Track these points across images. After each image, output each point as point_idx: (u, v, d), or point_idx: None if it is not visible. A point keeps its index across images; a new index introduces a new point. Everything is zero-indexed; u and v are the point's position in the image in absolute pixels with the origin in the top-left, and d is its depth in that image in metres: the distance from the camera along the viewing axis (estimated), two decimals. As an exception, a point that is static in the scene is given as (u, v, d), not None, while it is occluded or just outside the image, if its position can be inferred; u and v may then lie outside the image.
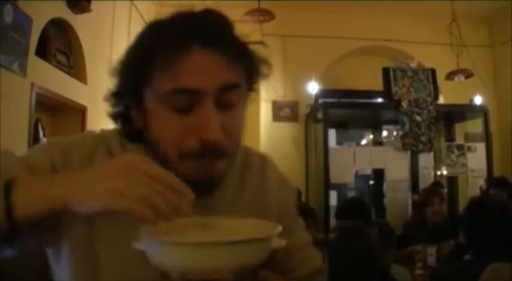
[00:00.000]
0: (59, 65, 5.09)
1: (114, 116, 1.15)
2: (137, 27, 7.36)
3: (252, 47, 1.11)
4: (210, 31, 1.04)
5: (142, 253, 0.89)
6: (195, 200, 0.94)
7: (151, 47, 1.03)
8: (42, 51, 4.73)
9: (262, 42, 1.17)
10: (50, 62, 4.86)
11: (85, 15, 5.42)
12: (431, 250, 4.27)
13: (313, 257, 1.31)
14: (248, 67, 1.09)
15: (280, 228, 0.93)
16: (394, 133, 8.14)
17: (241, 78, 1.07)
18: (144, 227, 0.90)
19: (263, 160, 1.31)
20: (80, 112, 5.53)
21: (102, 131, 1.22)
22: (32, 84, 4.31)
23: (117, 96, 1.13)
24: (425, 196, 5.28)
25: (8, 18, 3.86)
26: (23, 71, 4.12)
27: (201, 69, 1.00)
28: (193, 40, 1.01)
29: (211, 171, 1.03)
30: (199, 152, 1.00)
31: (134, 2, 7.46)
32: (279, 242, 0.93)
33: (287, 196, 1.30)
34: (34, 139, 4.40)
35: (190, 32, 1.02)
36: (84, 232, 1.06)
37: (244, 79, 1.08)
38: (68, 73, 5.29)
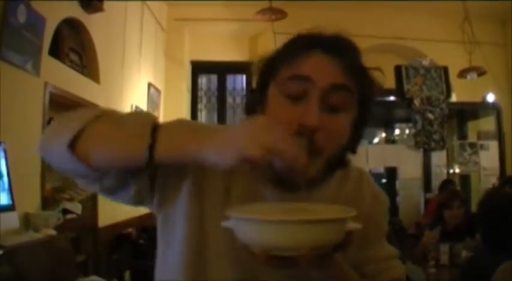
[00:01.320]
0: (72, 65, 5.13)
1: (247, 110, 1.28)
2: (149, 27, 7.46)
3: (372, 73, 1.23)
4: (335, 42, 1.17)
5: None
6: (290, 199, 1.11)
7: (284, 49, 1.20)
8: (56, 51, 4.76)
9: (380, 70, 1.26)
10: (63, 61, 4.89)
11: (98, 15, 5.46)
12: (444, 248, 4.26)
13: (394, 268, 1.35)
14: (362, 87, 1.18)
15: (355, 212, 0.97)
16: (407, 131, 8.13)
17: (354, 88, 1.14)
18: (233, 207, 1.04)
19: (360, 172, 1.38)
20: (93, 111, 5.55)
21: None
22: (46, 83, 4.34)
23: (253, 91, 1.27)
24: (445, 198, 5.21)
25: (21, 18, 3.89)
26: (37, 70, 4.15)
27: (318, 65, 1.12)
28: (318, 46, 1.15)
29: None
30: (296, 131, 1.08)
31: (146, 1, 7.49)
32: (353, 225, 0.97)
33: (378, 208, 1.35)
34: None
35: (318, 40, 1.17)
36: (196, 196, 1.19)
37: (356, 92, 1.16)
38: (81, 72, 5.33)
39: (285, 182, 1.13)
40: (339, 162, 1.24)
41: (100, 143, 1.04)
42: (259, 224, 0.92)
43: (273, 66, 1.18)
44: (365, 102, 1.20)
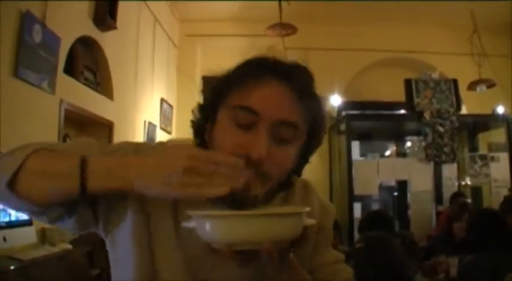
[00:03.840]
0: (87, 82, 5.21)
1: (195, 125, 1.30)
2: (162, 43, 7.55)
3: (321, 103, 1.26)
4: (290, 71, 1.19)
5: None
6: None
7: (235, 72, 1.22)
8: (70, 69, 4.85)
9: (325, 102, 1.31)
10: (77, 79, 4.98)
11: (111, 33, 5.55)
12: (454, 261, 4.26)
13: (343, 271, 1.39)
14: (313, 118, 1.22)
15: (309, 208, 1.05)
16: (418, 144, 8.15)
17: (301, 123, 1.18)
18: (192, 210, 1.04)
19: (304, 185, 1.41)
20: (107, 127, 5.66)
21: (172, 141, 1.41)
22: (61, 101, 4.43)
23: (201, 108, 1.29)
24: (454, 211, 5.20)
25: (37, 38, 3.99)
26: (52, 88, 4.24)
27: (269, 98, 1.15)
28: (272, 73, 1.17)
29: (250, 185, 1.12)
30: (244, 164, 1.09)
31: (158, 19, 7.59)
32: (309, 220, 1.05)
33: (326, 219, 1.39)
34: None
35: (272, 66, 1.19)
36: (141, 219, 1.20)
37: (304, 124, 1.19)
38: (95, 89, 5.42)
39: (234, 201, 1.14)
40: (284, 184, 1.27)
41: (35, 182, 1.09)
42: (221, 220, 0.97)
43: (224, 88, 1.21)
44: (314, 133, 1.25)
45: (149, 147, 1.29)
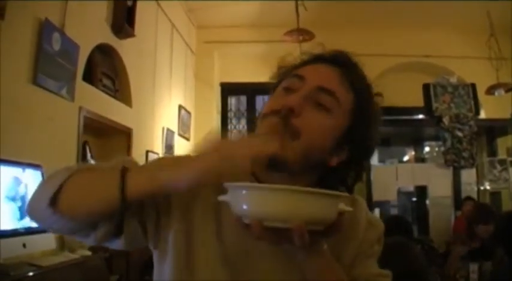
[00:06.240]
0: (105, 89, 5.25)
1: None
2: (179, 50, 7.58)
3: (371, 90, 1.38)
4: (334, 57, 1.34)
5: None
6: None
7: (291, 67, 1.37)
8: (89, 76, 4.89)
9: (380, 94, 1.41)
10: (96, 86, 5.02)
11: (129, 40, 5.59)
12: (474, 267, 4.22)
13: None
14: (355, 99, 1.30)
15: (347, 194, 1.08)
16: (436, 149, 8.11)
17: (343, 96, 1.26)
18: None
19: (353, 200, 1.37)
20: (125, 134, 5.69)
21: None
22: (80, 108, 4.47)
23: None
24: (477, 213, 5.10)
25: (56, 46, 4.02)
26: (71, 95, 4.27)
27: (314, 70, 1.29)
28: (320, 59, 1.33)
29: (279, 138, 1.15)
30: (277, 113, 1.20)
31: (176, 26, 7.63)
32: (345, 207, 1.01)
33: (372, 232, 1.36)
34: (82, 160, 4.54)
35: (321, 55, 1.35)
36: (183, 228, 1.23)
37: (346, 100, 1.27)
38: (114, 96, 5.46)
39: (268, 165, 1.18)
40: (329, 181, 1.27)
41: (76, 196, 1.10)
42: (253, 192, 0.96)
43: (286, 72, 1.34)
44: (358, 117, 1.28)
45: None
